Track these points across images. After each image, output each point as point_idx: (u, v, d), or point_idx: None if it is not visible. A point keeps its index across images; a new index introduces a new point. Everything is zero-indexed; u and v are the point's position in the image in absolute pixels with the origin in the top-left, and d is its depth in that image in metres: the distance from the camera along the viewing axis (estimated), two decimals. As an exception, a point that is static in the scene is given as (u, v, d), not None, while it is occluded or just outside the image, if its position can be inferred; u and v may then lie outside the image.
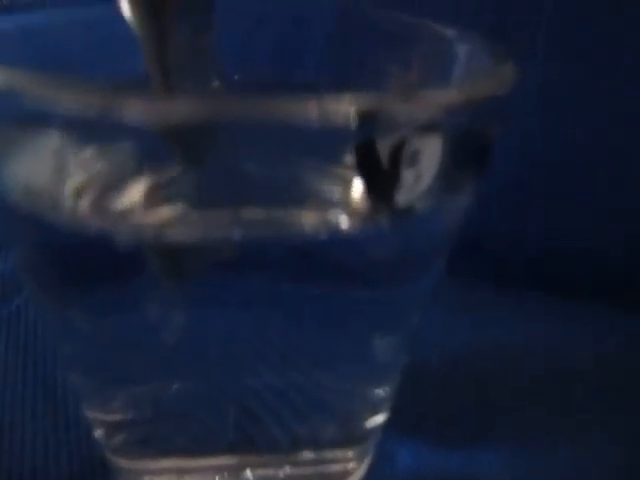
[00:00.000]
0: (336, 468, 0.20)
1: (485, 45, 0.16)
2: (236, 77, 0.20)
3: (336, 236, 0.14)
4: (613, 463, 0.25)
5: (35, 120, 0.13)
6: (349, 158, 0.14)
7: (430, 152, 0.14)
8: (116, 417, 0.18)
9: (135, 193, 0.17)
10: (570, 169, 0.33)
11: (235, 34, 0.20)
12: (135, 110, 0.11)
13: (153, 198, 0.17)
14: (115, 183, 0.17)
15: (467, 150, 0.15)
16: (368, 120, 0.12)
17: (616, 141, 0.33)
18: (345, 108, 0.12)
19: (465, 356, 0.30)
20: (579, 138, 0.33)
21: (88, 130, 0.13)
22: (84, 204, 0.16)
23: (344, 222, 0.14)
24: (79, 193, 0.16)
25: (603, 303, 0.32)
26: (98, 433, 0.19)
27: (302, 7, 0.21)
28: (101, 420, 0.19)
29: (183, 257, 0.15)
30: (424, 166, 0.14)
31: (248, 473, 0.18)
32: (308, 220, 0.15)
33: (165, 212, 0.17)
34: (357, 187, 0.15)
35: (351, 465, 0.20)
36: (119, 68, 0.18)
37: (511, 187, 0.34)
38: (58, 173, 0.15)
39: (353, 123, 0.12)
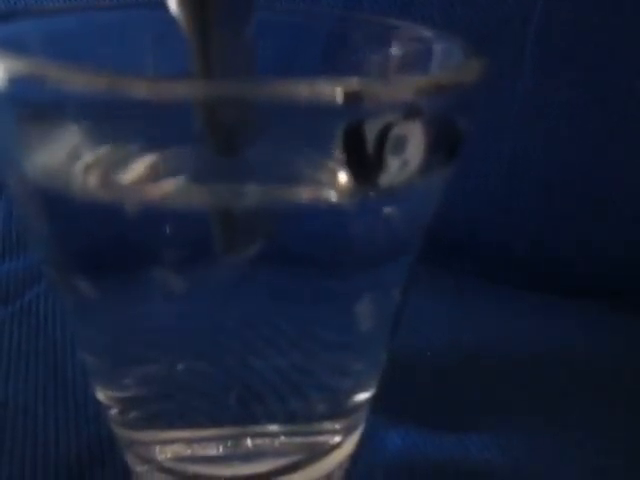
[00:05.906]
0: (324, 439, 0.21)
1: (459, 43, 0.18)
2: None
3: (326, 210, 0.16)
4: (603, 448, 0.26)
5: (50, 107, 0.14)
6: (338, 151, 0.16)
7: (413, 138, 0.16)
8: (129, 394, 0.20)
9: (139, 168, 0.18)
10: (566, 171, 0.35)
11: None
12: (139, 89, 0.13)
13: (156, 172, 0.18)
14: (120, 160, 0.18)
15: (441, 138, 0.17)
16: (354, 102, 0.14)
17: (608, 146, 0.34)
18: (333, 88, 0.13)
19: (459, 346, 0.31)
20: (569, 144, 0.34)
21: (98, 113, 0.15)
22: (93, 180, 0.17)
23: (333, 197, 0.16)
24: (88, 171, 0.17)
25: (603, 302, 0.34)
26: (112, 411, 0.20)
27: (300, 14, 0.23)
28: (115, 397, 0.20)
29: (241, 231, 0.16)
30: (407, 150, 0.16)
31: (248, 442, 0.20)
32: (302, 195, 0.16)
33: (168, 185, 0.18)
34: (344, 174, 0.17)
35: (338, 438, 0.21)
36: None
37: (511, 191, 0.36)
38: (71, 155, 0.16)
39: (340, 102, 0.13)
